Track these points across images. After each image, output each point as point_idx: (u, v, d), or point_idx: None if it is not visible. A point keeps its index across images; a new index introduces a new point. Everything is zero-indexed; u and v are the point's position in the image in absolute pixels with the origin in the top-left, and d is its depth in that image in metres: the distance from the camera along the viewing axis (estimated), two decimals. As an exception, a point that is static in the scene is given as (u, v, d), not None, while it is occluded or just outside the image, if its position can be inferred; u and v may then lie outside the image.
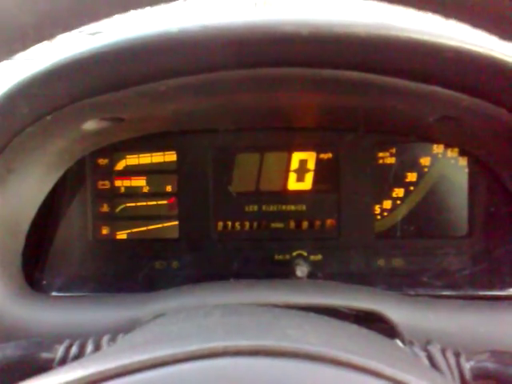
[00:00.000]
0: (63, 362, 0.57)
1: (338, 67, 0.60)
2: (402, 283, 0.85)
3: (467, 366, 0.58)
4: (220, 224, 0.93)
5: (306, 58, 0.59)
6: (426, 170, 0.90)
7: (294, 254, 0.91)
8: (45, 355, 0.57)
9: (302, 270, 0.85)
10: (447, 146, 0.89)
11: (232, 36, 0.55)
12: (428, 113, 0.74)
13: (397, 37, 0.54)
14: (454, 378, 0.56)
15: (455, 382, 0.56)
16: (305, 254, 0.91)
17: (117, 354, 0.41)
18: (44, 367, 0.56)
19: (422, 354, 0.60)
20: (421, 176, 0.90)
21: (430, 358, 0.59)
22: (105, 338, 0.59)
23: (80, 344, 0.58)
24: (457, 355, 0.60)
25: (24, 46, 0.35)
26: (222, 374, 0.37)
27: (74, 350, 0.58)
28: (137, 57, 0.58)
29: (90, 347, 0.58)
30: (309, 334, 0.44)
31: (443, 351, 0.61)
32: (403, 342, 0.64)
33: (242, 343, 0.39)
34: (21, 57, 0.36)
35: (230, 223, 0.93)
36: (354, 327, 0.53)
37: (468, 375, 0.58)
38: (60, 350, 0.58)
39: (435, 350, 0.60)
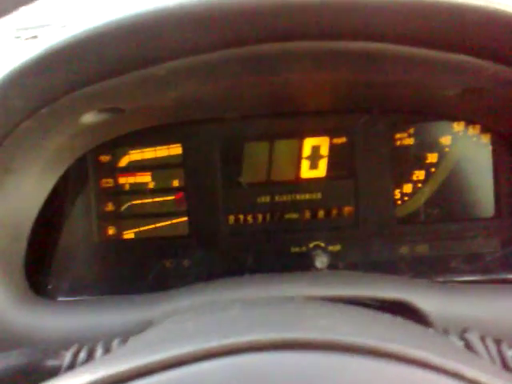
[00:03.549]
0: (71, 369, 0.53)
1: (352, 37, 0.55)
2: (429, 270, 0.82)
3: (510, 353, 0.55)
4: (231, 217, 0.89)
5: (317, 29, 0.54)
6: (446, 149, 0.86)
7: (311, 245, 0.87)
8: (51, 362, 0.54)
9: (321, 261, 0.81)
10: (468, 122, 0.84)
11: (237, 7, 0.51)
12: (449, 86, 0.69)
13: None
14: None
15: None
16: (323, 244, 0.87)
17: (128, 356, 0.37)
18: (50, 376, 0.51)
19: (460, 343, 0.56)
20: (442, 156, 0.86)
21: (469, 347, 0.55)
22: (115, 341, 0.55)
23: (89, 349, 0.54)
24: (497, 343, 0.56)
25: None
26: (248, 373, 0.33)
27: (82, 355, 0.54)
28: (132, 37, 0.54)
29: (99, 352, 0.53)
30: (341, 324, 0.39)
31: (482, 339, 0.56)
32: (437, 331, 0.60)
33: (269, 336, 0.34)
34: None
35: (241, 216, 0.89)
36: (387, 316, 0.48)
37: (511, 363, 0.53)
38: (67, 357, 0.54)
39: (474, 338, 0.56)
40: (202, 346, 0.34)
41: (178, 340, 0.37)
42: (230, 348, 0.34)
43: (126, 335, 0.58)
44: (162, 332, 0.43)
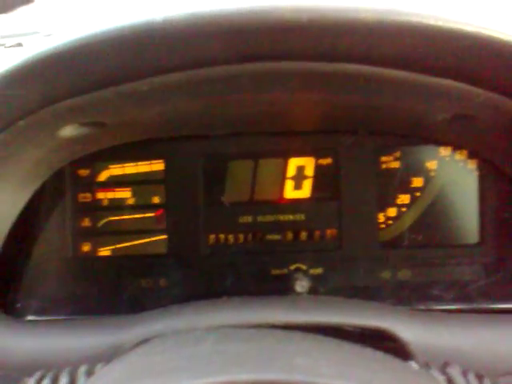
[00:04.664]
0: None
1: (342, 59, 0.54)
2: (411, 297, 0.81)
3: (492, 390, 0.53)
4: (212, 237, 0.87)
5: (305, 49, 0.53)
6: (432, 174, 0.85)
7: (293, 267, 0.86)
8: (13, 391, 0.51)
9: (301, 285, 0.80)
10: (455, 148, 0.84)
11: (223, 25, 0.50)
12: (438, 111, 0.68)
13: (409, 22, 0.48)
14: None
15: None
16: (304, 267, 0.85)
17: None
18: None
19: (441, 378, 0.54)
20: (427, 181, 0.85)
21: (450, 382, 0.54)
22: (81, 370, 0.52)
23: (53, 376, 0.52)
24: (480, 378, 0.54)
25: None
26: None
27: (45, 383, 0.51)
28: (116, 51, 0.52)
29: (63, 380, 0.51)
30: (320, 363, 0.37)
31: (464, 374, 0.55)
32: (418, 363, 0.58)
33: (243, 377, 0.32)
34: None
35: (222, 236, 0.87)
36: (368, 351, 0.46)
37: (493, 401, 0.52)
38: None
39: (455, 373, 0.55)
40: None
41: (145, 378, 0.35)
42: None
43: (96, 360, 0.56)
44: (129, 366, 0.41)
